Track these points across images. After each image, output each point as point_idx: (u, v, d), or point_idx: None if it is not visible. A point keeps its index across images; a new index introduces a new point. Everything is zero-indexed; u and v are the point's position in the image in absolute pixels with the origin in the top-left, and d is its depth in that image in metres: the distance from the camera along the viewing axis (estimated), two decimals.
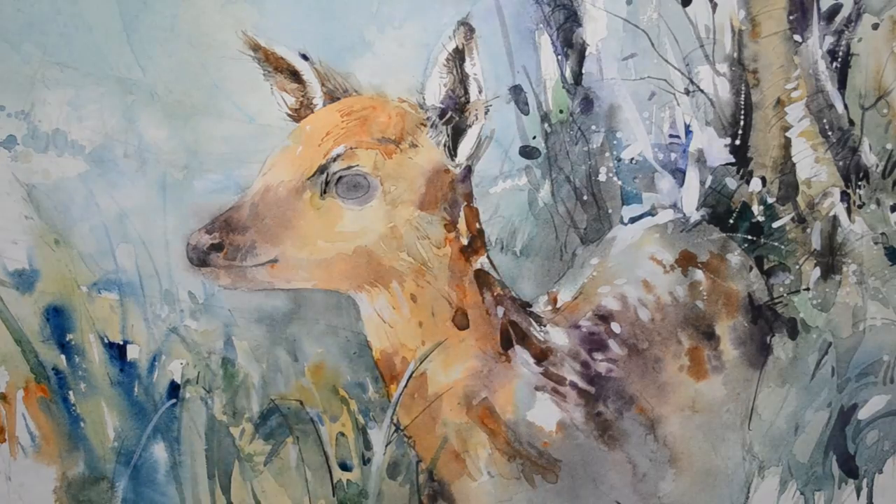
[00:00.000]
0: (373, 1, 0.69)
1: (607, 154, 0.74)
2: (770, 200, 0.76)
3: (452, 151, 0.72)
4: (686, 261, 0.76)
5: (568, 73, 0.72)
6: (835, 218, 0.77)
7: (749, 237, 0.76)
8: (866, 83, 0.76)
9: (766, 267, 0.77)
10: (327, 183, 0.70)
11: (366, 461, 0.73)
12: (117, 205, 0.69)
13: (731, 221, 0.76)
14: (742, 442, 0.77)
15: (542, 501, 0.76)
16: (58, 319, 0.69)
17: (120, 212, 0.69)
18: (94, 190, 0.68)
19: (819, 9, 0.75)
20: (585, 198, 0.74)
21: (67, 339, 0.69)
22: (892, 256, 0.78)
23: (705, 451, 0.77)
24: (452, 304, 0.73)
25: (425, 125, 0.71)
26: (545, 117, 0.72)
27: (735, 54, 0.74)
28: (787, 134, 0.76)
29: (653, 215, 0.75)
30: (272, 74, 0.69)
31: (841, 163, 0.77)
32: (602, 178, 0.74)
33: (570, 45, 0.72)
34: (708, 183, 0.75)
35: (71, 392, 0.70)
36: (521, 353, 0.74)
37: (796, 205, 0.76)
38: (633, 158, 0.74)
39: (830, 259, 0.77)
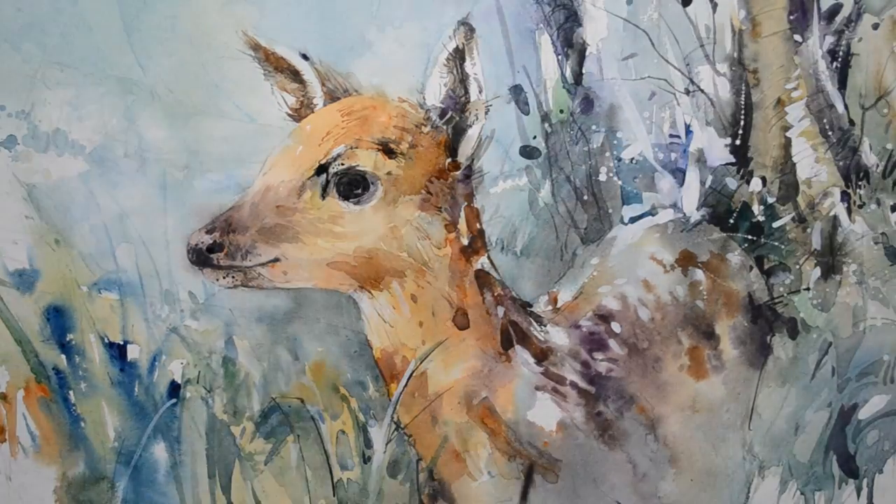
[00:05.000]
0: (373, 1, 0.69)
1: (607, 154, 0.74)
2: (770, 200, 0.76)
3: (453, 151, 0.72)
4: (686, 260, 0.76)
5: (568, 73, 0.72)
6: (835, 218, 0.77)
7: (749, 237, 0.76)
8: (866, 83, 0.76)
9: (766, 267, 0.77)
10: (328, 182, 0.70)
11: (366, 460, 0.73)
12: (117, 205, 0.69)
13: (732, 221, 0.76)
14: (742, 442, 0.77)
15: (542, 501, 0.76)
16: (58, 319, 0.69)
17: (120, 212, 0.69)
18: (94, 190, 0.68)
19: (819, 9, 0.75)
20: (586, 198, 0.74)
21: (68, 339, 0.69)
22: (892, 256, 0.78)
23: (705, 451, 0.77)
24: (453, 304, 0.73)
25: (425, 125, 0.71)
26: (545, 117, 0.72)
27: (735, 54, 0.74)
28: (788, 134, 0.76)
29: (653, 215, 0.75)
30: (272, 74, 0.69)
31: (841, 163, 0.77)
32: (602, 177, 0.74)
33: (571, 45, 0.72)
34: (708, 183, 0.75)
35: (71, 392, 0.70)
36: (521, 353, 0.74)
37: (796, 205, 0.76)
38: (633, 158, 0.74)
39: (830, 259, 0.77)
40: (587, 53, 0.72)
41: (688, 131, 0.75)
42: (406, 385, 0.73)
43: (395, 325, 0.72)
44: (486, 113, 0.72)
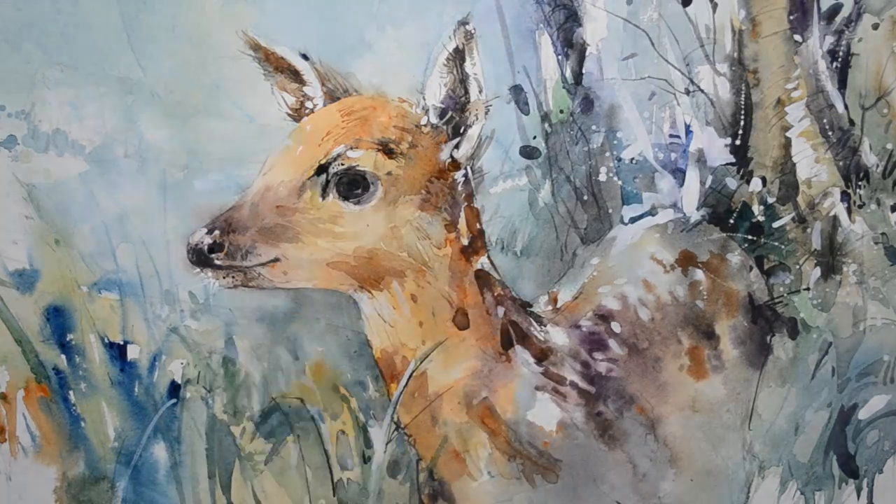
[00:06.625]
0: (373, 1, 0.69)
1: (607, 154, 0.74)
2: (770, 200, 0.76)
3: (453, 151, 0.72)
4: (686, 260, 0.76)
5: (568, 73, 0.72)
6: (835, 218, 0.77)
7: (749, 237, 0.76)
8: (866, 83, 0.76)
9: (766, 267, 0.77)
10: (328, 182, 0.70)
11: (366, 460, 0.73)
12: (117, 205, 0.69)
13: (732, 221, 0.76)
14: (742, 442, 0.77)
15: (543, 501, 0.76)
16: (58, 319, 0.69)
17: (120, 212, 0.69)
18: (94, 190, 0.68)
19: (819, 9, 0.75)
20: (586, 198, 0.74)
21: (68, 339, 0.69)
22: (892, 256, 0.78)
23: (705, 451, 0.77)
24: (453, 304, 0.73)
25: (425, 125, 0.71)
26: (545, 117, 0.72)
27: (735, 54, 0.74)
28: (788, 134, 0.76)
29: (653, 215, 0.75)
30: (272, 74, 0.69)
31: (841, 163, 0.77)
32: (602, 177, 0.74)
33: (571, 45, 0.72)
34: (708, 183, 0.75)
35: (71, 392, 0.70)
36: (521, 353, 0.74)
37: (796, 205, 0.76)
38: (633, 158, 0.74)
39: (830, 259, 0.77)
40: (587, 53, 0.72)
41: (688, 131, 0.75)
42: (406, 385, 0.73)
43: (395, 325, 0.72)
44: (486, 113, 0.72)
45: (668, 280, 0.76)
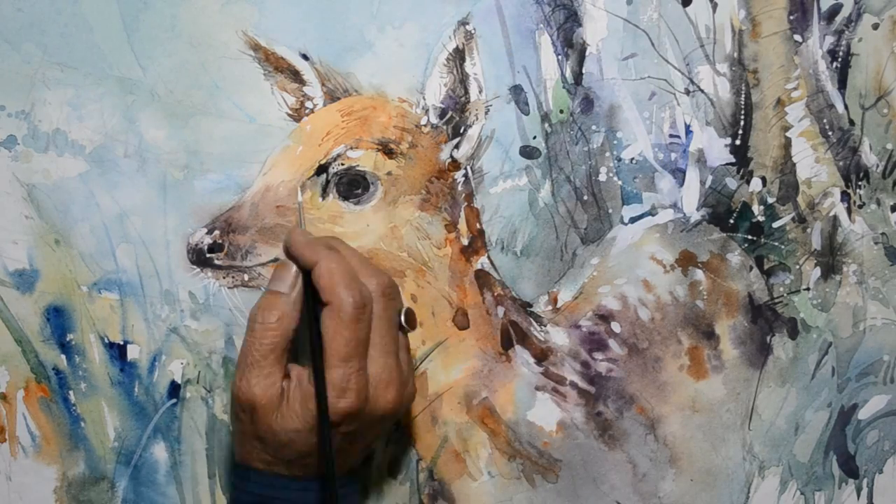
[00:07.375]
0: (373, 1, 0.69)
1: (607, 154, 0.74)
2: (770, 200, 0.76)
3: (453, 151, 0.72)
4: (686, 260, 0.76)
5: (568, 73, 0.72)
6: (835, 218, 0.77)
7: (749, 237, 0.76)
8: (866, 83, 0.76)
9: (766, 267, 0.77)
10: (327, 183, 0.70)
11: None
12: (117, 205, 0.69)
13: (732, 221, 0.76)
14: (742, 442, 0.77)
15: (543, 501, 0.76)
16: (58, 319, 0.69)
17: (120, 212, 0.69)
18: (94, 190, 0.68)
19: (819, 9, 0.75)
20: (586, 198, 0.74)
21: (68, 339, 0.69)
22: (892, 256, 0.78)
23: (705, 451, 0.77)
24: (453, 304, 0.73)
25: (425, 125, 0.71)
26: (545, 117, 0.72)
27: (735, 54, 0.74)
28: (788, 134, 0.76)
29: (653, 215, 0.75)
30: (272, 74, 0.69)
31: (841, 163, 0.77)
32: (602, 177, 0.74)
33: (571, 45, 0.72)
34: (708, 183, 0.75)
35: (71, 392, 0.70)
36: (521, 353, 0.74)
37: (796, 205, 0.76)
38: (633, 158, 0.74)
39: (830, 259, 0.77)
40: (587, 53, 0.72)
41: (688, 131, 0.74)
42: None
43: None
44: (486, 113, 0.72)
45: (668, 280, 0.76)
